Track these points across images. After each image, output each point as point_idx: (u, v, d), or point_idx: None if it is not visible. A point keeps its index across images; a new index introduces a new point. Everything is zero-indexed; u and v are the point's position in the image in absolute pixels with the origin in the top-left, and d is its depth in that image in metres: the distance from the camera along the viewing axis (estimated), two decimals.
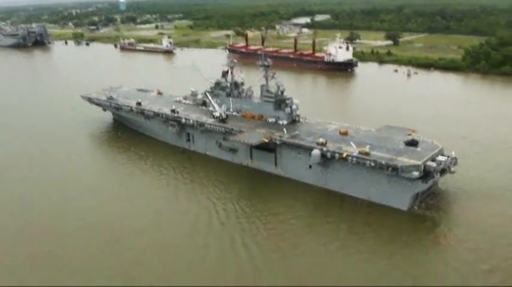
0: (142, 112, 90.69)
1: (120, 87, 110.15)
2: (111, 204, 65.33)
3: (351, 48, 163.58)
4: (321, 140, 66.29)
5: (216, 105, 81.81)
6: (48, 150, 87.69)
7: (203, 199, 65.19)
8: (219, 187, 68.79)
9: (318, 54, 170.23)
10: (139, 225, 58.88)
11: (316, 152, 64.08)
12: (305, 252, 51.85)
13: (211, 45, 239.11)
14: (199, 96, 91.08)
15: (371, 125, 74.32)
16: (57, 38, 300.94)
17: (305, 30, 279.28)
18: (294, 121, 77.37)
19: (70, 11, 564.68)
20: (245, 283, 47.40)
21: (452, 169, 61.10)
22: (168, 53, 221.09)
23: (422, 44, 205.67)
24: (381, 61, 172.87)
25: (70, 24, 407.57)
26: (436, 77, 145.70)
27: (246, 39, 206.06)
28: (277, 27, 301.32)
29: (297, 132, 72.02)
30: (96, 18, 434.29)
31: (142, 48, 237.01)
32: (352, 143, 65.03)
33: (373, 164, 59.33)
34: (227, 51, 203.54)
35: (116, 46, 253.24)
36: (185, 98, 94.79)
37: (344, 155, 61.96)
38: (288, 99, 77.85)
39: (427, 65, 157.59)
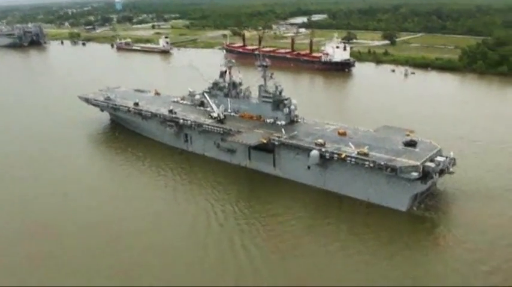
0: (139, 113, 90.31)
1: (118, 87, 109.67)
2: (110, 205, 65.08)
3: (348, 48, 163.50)
4: (320, 140, 66.21)
5: (214, 106, 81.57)
6: (46, 151, 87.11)
7: (201, 200, 64.97)
8: (218, 188, 68.58)
9: (315, 54, 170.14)
10: (138, 226, 58.64)
11: (314, 152, 63.98)
12: (305, 253, 51.76)
13: (208, 45, 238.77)
14: (197, 97, 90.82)
15: (369, 126, 74.33)
16: (53, 38, 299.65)
17: (302, 30, 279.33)
18: (292, 122, 77.25)
19: (66, 10, 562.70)
20: (245, 284, 47.25)
21: (451, 169, 61.17)
22: (165, 53, 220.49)
23: (419, 44, 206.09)
24: (378, 61, 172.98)
25: (66, 24, 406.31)
26: (433, 77, 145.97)
27: (243, 39, 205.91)
28: (274, 27, 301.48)
29: (295, 132, 71.87)
30: (92, 18, 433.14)
31: (139, 48, 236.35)
32: (350, 143, 64.98)
33: (372, 164, 59.24)
34: (224, 51, 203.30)
35: (112, 46, 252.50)
36: (183, 99, 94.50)
37: (343, 155, 61.87)
38: (286, 99, 77.73)
39: (424, 65, 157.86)
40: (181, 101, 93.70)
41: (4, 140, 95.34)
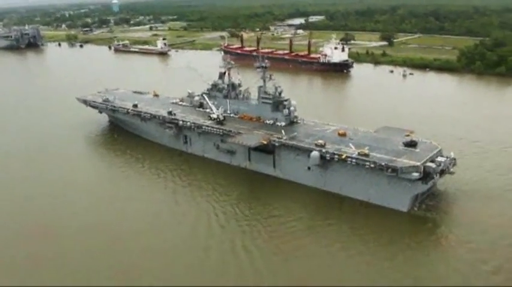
0: (138, 114, 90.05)
1: (116, 89, 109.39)
2: (110, 206, 64.85)
3: (346, 49, 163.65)
4: (320, 141, 66.13)
5: (213, 107, 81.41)
6: (44, 153, 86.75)
7: (202, 202, 64.77)
8: (218, 190, 68.39)
9: (313, 55, 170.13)
10: (138, 227, 58.47)
11: (315, 153, 63.89)
12: (306, 254, 51.64)
13: (206, 46, 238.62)
14: (196, 98, 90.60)
15: (368, 126, 74.31)
16: (51, 40, 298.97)
17: (300, 31, 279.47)
18: (292, 123, 77.15)
19: (63, 12, 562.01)
20: (246, 285, 47.09)
21: (452, 169, 61.18)
22: (163, 54, 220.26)
23: (417, 45, 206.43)
24: (376, 62, 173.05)
25: (63, 26, 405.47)
26: (432, 78, 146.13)
27: (241, 41, 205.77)
28: (272, 28, 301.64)
29: (295, 133, 71.78)
30: (89, 20, 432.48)
31: (136, 49, 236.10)
32: (351, 144, 64.94)
33: (372, 165, 59.18)
34: (222, 52, 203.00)
35: (110, 48, 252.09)
36: (182, 100, 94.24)
37: (343, 156, 61.80)
38: (286, 100, 77.63)
39: (422, 65, 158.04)
40: (180, 103, 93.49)
41: (2, 142, 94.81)
